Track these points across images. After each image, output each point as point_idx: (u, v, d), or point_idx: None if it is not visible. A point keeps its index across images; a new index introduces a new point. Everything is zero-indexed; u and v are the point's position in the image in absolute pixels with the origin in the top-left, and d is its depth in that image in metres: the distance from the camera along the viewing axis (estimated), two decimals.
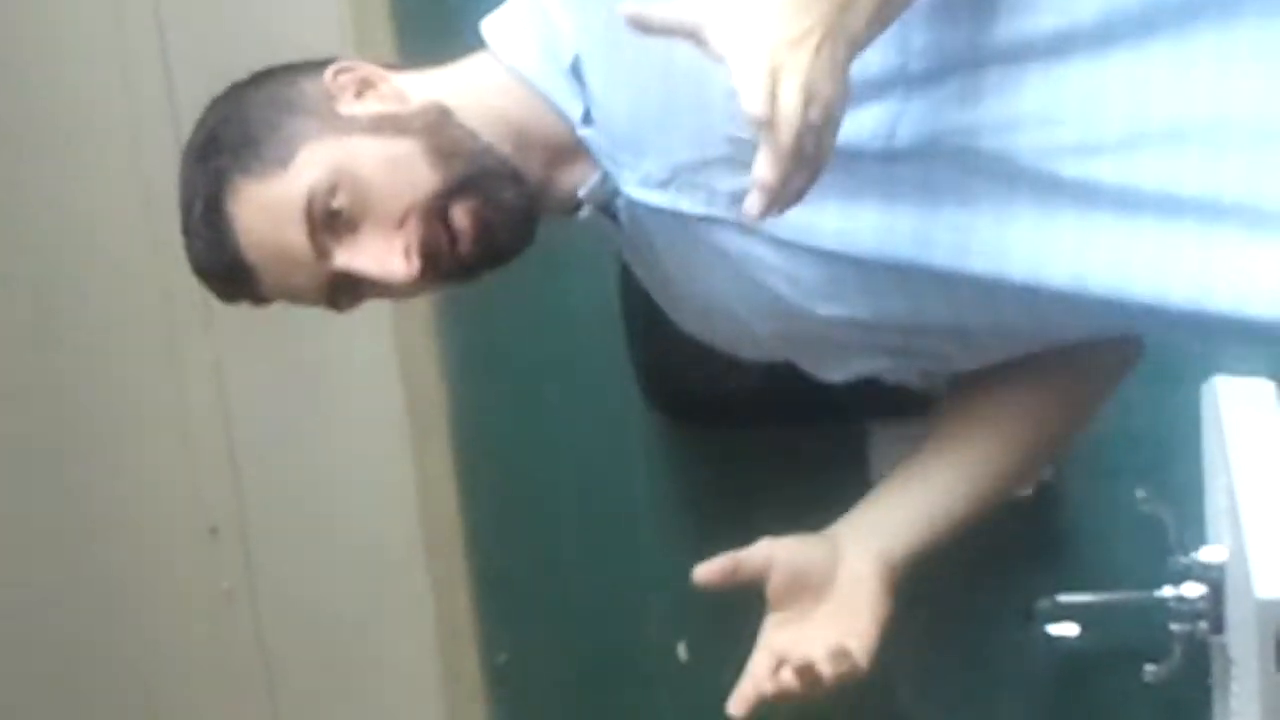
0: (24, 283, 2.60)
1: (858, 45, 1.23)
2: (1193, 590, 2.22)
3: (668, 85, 1.38)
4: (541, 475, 2.63)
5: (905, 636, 2.57)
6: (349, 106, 1.41)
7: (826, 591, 1.48)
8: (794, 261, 1.41)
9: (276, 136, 1.39)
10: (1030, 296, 1.38)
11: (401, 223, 1.39)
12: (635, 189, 1.44)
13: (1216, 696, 2.24)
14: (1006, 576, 2.47)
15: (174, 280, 2.57)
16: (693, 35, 1.22)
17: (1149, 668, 2.26)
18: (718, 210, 1.42)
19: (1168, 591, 2.23)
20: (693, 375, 2.33)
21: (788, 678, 1.44)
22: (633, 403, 2.49)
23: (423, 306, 2.57)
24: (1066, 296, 1.36)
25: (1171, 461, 2.38)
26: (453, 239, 1.40)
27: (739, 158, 1.32)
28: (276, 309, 2.51)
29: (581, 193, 1.45)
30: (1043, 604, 2.34)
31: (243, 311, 2.57)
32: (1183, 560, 2.23)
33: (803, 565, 1.48)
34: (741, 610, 2.62)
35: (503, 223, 1.41)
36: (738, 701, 1.46)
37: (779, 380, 1.65)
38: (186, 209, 1.43)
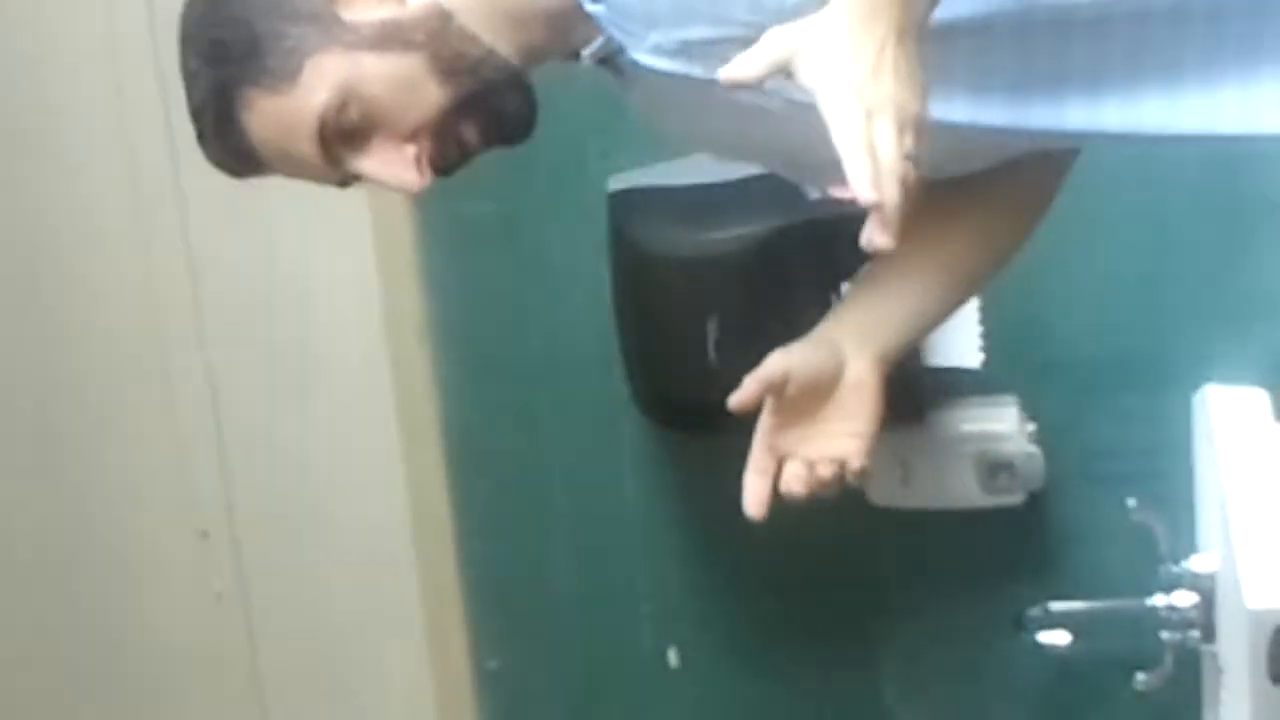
0: (15, 287, 2.60)
1: (922, 27, 1.25)
2: (1184, 599, 2.21)
3: None
4: (532, 480, 2.63)
5: (897, 645, 2.55)
6: (349, 11, 1.43)
7: (829, 395, 1.50)
8: (809, 116, 1.42)
9: (281, 46, 1.42)
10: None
11: (411, 136, 1.43)
12: (644, 55, 1.45)
13: (1207, 705, 2.24)
14: (998, 585, 2.47)
15: (166, 286, 2.59)
16: (783, 72, 1.25)
17: (1140, 676, 2.26)
18: None
19: (1159, 600, 2.23)
20: (685, 382, 2.32)
21: (804, 473, 1.47)
22: (624, 409, 2.49)
23: (414, 312, 2.57)
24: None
25: (1163, 470, 2.38)
26: (461, 147, 1.45)
27: (756, 36, 1.34)
28: (271, 316, 2.50)
29: (585, 53, 1.47)
30: (1034, 612, 2.34)
31: (234, 317, 2.60)
32: (1174, 569, 2.23)
33: (813, 374, 1.49)
34: (732, 618, 2.63)
35: (508, 129, 1.46)
36: (754, 502, 1.49)
37: None
38: (197, 114, 1.46)
